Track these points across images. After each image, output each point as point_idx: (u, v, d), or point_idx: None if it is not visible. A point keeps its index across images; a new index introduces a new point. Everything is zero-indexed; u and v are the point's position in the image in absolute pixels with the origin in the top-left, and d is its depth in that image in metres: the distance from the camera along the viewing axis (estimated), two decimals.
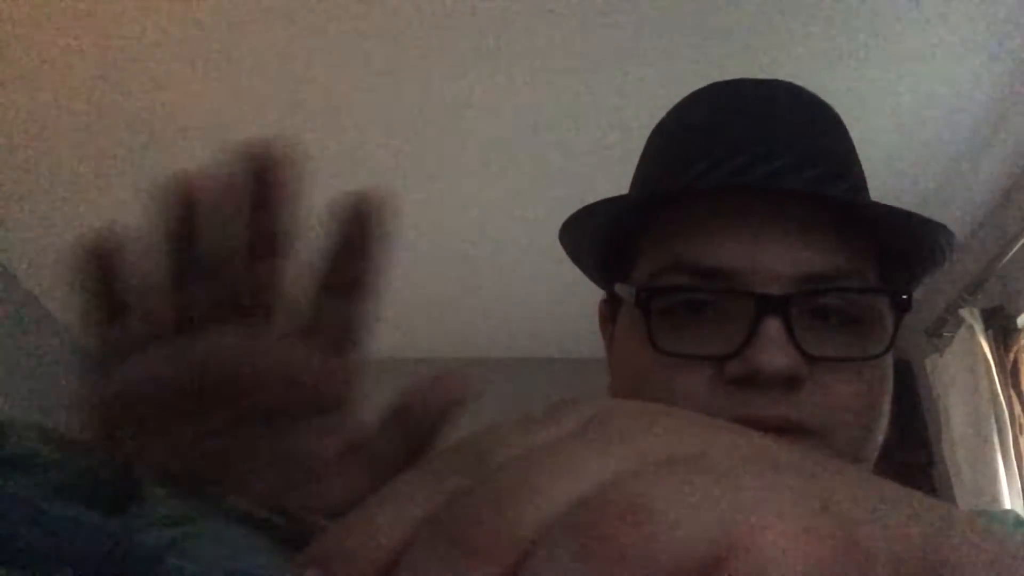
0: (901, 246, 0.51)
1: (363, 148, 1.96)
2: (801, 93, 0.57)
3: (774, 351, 0.43)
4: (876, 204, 0.48)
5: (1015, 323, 2.03)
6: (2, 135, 1.89)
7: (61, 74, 1.74)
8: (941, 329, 2.18)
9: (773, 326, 0.44)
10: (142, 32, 1.65)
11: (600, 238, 0.53)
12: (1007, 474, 1.88)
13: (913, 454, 2.45)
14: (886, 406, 0.49)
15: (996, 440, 1.90)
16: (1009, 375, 1.98)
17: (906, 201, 2.21)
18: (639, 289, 0.48)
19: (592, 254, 0.55)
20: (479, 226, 2.20)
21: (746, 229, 0.46)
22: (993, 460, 1.89)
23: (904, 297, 0.47)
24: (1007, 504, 1.86)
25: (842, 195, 0.48)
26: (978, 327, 2.01)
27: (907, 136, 1.95)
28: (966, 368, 2.02)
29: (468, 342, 2.61)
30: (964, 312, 2.05)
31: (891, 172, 2.06)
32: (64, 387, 2.62)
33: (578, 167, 1.98)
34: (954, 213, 2.20)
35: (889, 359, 0.48)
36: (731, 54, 1.73)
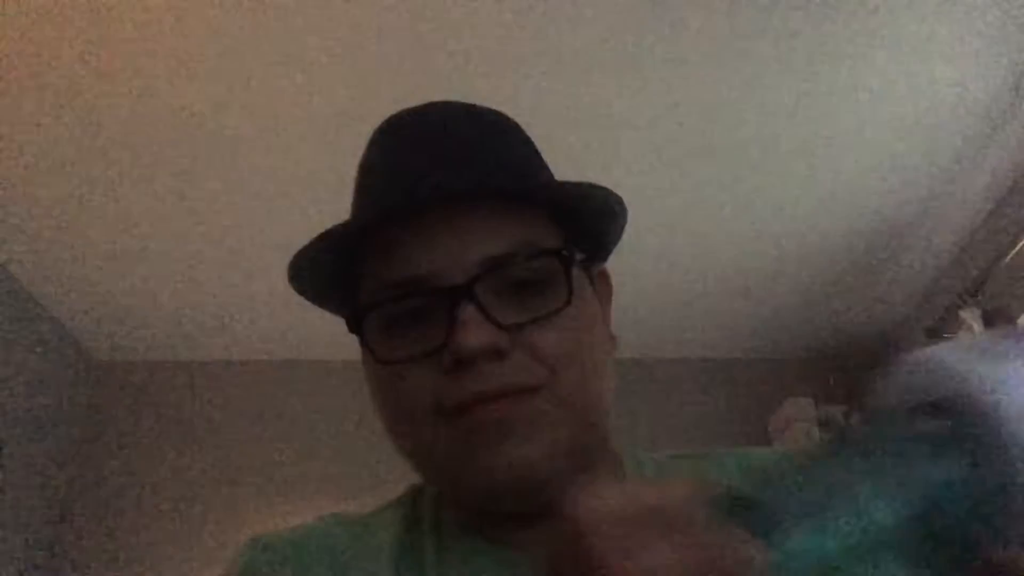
0: (576, 211, 0.57)
1: (361, 147, 1.96)
2: (459, 110, 0.61)
3: (470, 331, 0.49)
4: (526, 184, 0.56)
5: (1015, 324, 2.02)
6: (2, 136, 1.89)
7: (62, 75, 1.74)
8: (941, 330, 2.18)
9: (466, 310, 0.50)
10: (143, 33, 1.66)
11: (324, 279, 0.60)
12: None
13: None
14: (594, 351, 0.55)
15: None
16: None
17: (906, 201, 2.22)
18: (347, 315, 0.54)
19: (328, 295, 0.62)
20: None
21: (423, 238, 0.52)
22: None
23: (565, 253, 0.53)
24: None
25: (493, 184, 0.55)
26: (978, 328, 2.00)
27: (907, 136, 1.95)
28: None
29: None
30: (964, 313, 2.05)
31: (891, 172, 2.06)
32: (64, 387, 2.62)
33: (575, 165, 1.98)
34: (954, 213, 2.20)
35: (588, 309, 0.55)
36: (731, 56, 1.72)
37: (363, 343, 0.55)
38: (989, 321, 2.03)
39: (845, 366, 2.77)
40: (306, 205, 2.15)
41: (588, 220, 0.58)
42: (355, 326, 0.54)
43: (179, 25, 1.64)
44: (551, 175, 0.62)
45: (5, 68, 1.72)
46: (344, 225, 0.55)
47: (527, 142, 0.62)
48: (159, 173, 2.02)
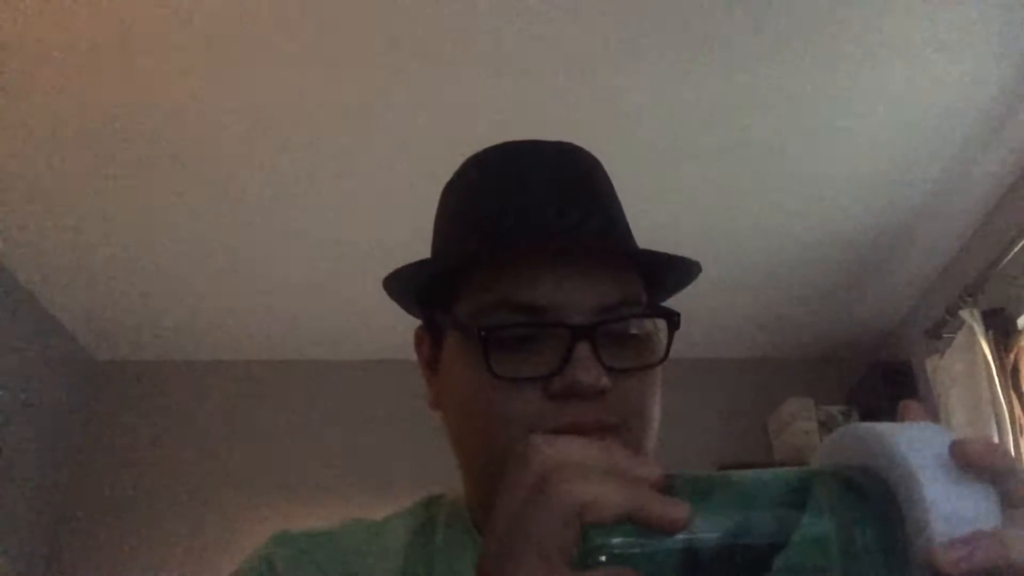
0: (661, 276, 0.65)
1: (366, 148, 1.96)
2: (576, 152, 0.68)
3: (587, 369, 0.55)
4: (643, 251, 0.62)
5: (1015, 324, 2.03)
6: (2, 137, 1.89)
7: (62, 76, 1.74)
8: (942, 330, 2.18)
9: (584, 349, 0.56)
10: (144, 31, 1.66)
11: (426, 282, 0.65)
12: None
13: None
14: (658, 410, 0.61)
15: (996, 440, 1.90)
16: (1009, 376, 1.98)
17: (906, 202, 2.22)
18: (479, 328, 0.58)
19: (415, 292, 0.67)
20: None
21: (555, 272, 0.58)
22: None
23: (676, 316, 0.60)
24: None
25: (621, 244, 0.63)
26: (978, 328, 2.01)
27: (907, 137, 1.95)
28: (966, 369, 2.02)
29: None
30: (964, 313, 2.05)
31: (891, 173, 2.06)
32: (64, 387, 2.62)
33: None
34: (954, 213, 2.20)
35: (661, 368, 0.62)
36: (731, 56, 1.72)
37: (483, 353, 0.58)
38: (989, 321, 2.03)
39: (845, 366, 2.77)
40: (306, 205, 2.15)
41: (670, 284, 0.67)
42: (482, 338, 0.58)
43: (179, 24, 1.64)
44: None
45: (4, 67, 1.72)
46: (478, 249, 0.61)
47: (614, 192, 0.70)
48: (159, 173, 2.02)
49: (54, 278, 2.40)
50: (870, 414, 2.57)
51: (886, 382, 2.54)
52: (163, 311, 2.58)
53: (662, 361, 0.59)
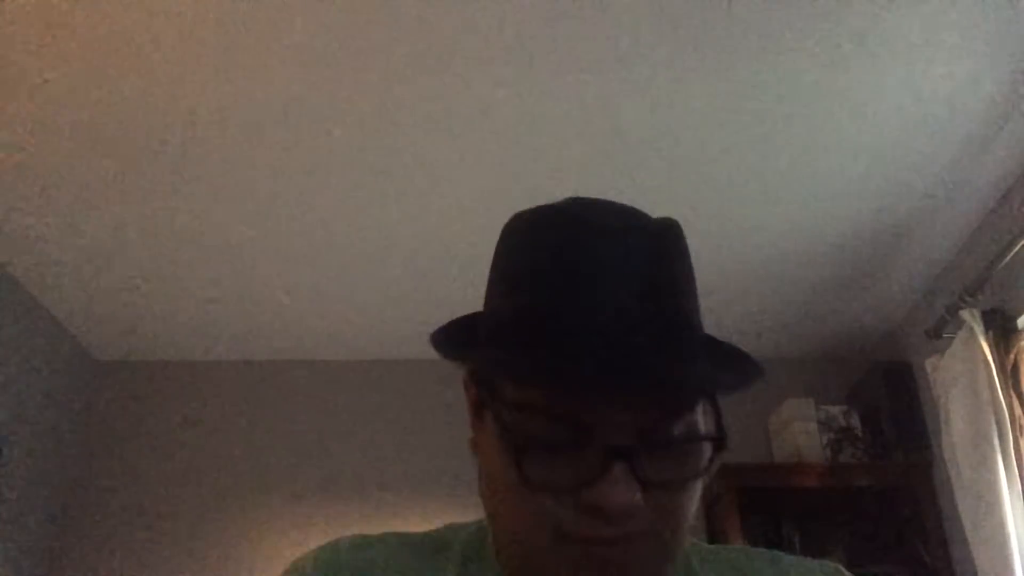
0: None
1: (366, 149, 1.96)
2: (663, 240, 0.62)
3: (619, 491, 0.54)
4: (703, 388, 0.59)
5: (1015, 324, 2.03)
6: (2, 137, 1.89)
7: (62, 76, 1.74)
8: (941, 331, 2.18)
9: (620, 469, 0.54)
10: (142, 31, 1.66)
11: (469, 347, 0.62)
12: (1007, 474, 1.88)
13: (913, 454, 2.45)
14: (695, 507, 0.60)
15: (996, 440, 1.90)
16: (1009, 376, 1.98)
17: (906, 202, 2.22)
18: (512, 434, 0.56)
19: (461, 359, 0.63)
20: (483, 228, 2.20)
21: (600, 389, 0.55)
22: (993, 460, 1.89)
23: (723, 440, 0.58)
24: (1007, 504, 1.85)
25: (680, 384, 0.57)
26: (978, 328, 2.01)
27: (907, 137, 1.95)
28: (966, 369, 2.02)
29: None
30: (964, 314, 2.05)
31: (891, 172, 2.06)
32: (64, 387, 2.62)
33: (578, 170, 1.99)
34: (954, 213, 2.20)
35: (709, 473, 0.60)
36: (731, 55, 1.72)
37: (513, 460, 0.56)
38: (989, 321, 2.03)
39: (845, 366, 2.77)
40: (307, 205, 2.15)
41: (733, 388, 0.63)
42: (515, 448, 0.56)
43: (178, 24, 1.64)
44: (700, 313, 0.66)
45: (5, 67, 1.72)
46: (531, 368, 0.57)
47: (690, 271, 0.66)
48: (159, 173, 2.02)
49: (54, 278, 2.40)
50: (870, 414, 2.57)
51: (886, 382, 2.54)
52: (163, 311, 2.58)
53: (701, 475, 0.58)
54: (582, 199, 0.64)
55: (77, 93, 1.79)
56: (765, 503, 2.46)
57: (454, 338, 0.63)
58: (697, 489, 0.59)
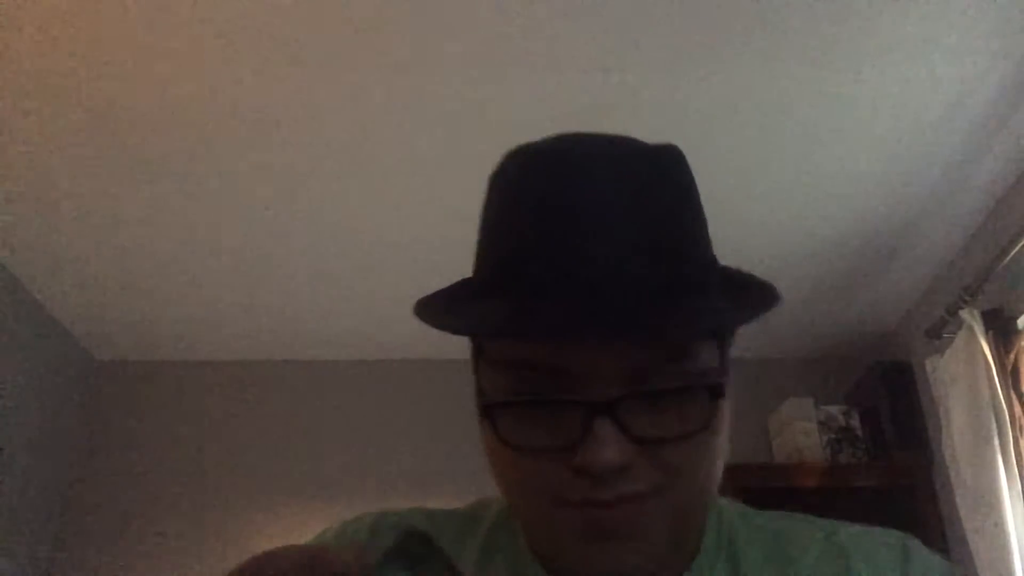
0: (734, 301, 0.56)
1: (365, 147, 1.96)
2: (655, 164, 0.56)
3: (603, 450, 0.48)
4: (702, 316, 0.52)
5: (1015, 325, 2.02)
6: (2, 138, 1.89)
7: (62, 76, 1.74)
8: (941, 330, 2.18)
9: (603, 426, 0.49)
10: (141, 30, 1.66)
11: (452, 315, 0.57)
12: (1007, 474, 1.88)
13: (913, 454, 2.45)
14: (715, 464, 0.54)
15: (996, 440, 1.90)
16: (1009, 376, 1.98)
17: (906, 202, 2.22)
18: (484, 404, 0.53)
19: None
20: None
21: (574, 334, 0.50)
22: (993, 460, 1.89)
23: (717, 385, 0.52)
24: (1007, 504, 1.85)
25: (658, 321, 0.50)
26: (978, 329, 2.00)
27: (907, 137, 1.95)
28: (966, 369, 2.02)
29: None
30: (964, 314, 2.05)
31: (891, 173, 2.06)
32: (64, 387, 2.62)
33: None
34: (954, 214, 2.20)
35: (716, 425, 0.53)
36: (730, 55, 1.72)
37: (488, 423, 0.53)
38: (989, 321, 2.03)
39: (845, 366, 2.77)
40: (308, 205, 2.15)
41: (747, 307, 0.57)
42: (488, 412, 0.53)
43: (179, 23, 1.64)
44: (707, 244, 0.60)
45: (5, 66, 1.72)
46: (507, 317, 0.52)
47: (691, 197, 0.59)
48: (160, 172, 2.02)
49: (54, 278, 2.40)
50: (870, 414, 2.57)
51: (886, 382, 2.54)
52: (163, 311, 2.58)
53: (703, 430, 0.51)
54: (568, 135, 0.58)
55: (77, 93, 1.79)
56: (765, 503, 2.45)
57: (432, 303, 0.58)
58: (710, 442, 0.52)
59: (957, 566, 2.17)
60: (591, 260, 0.50)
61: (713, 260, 0.60)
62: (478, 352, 0.56)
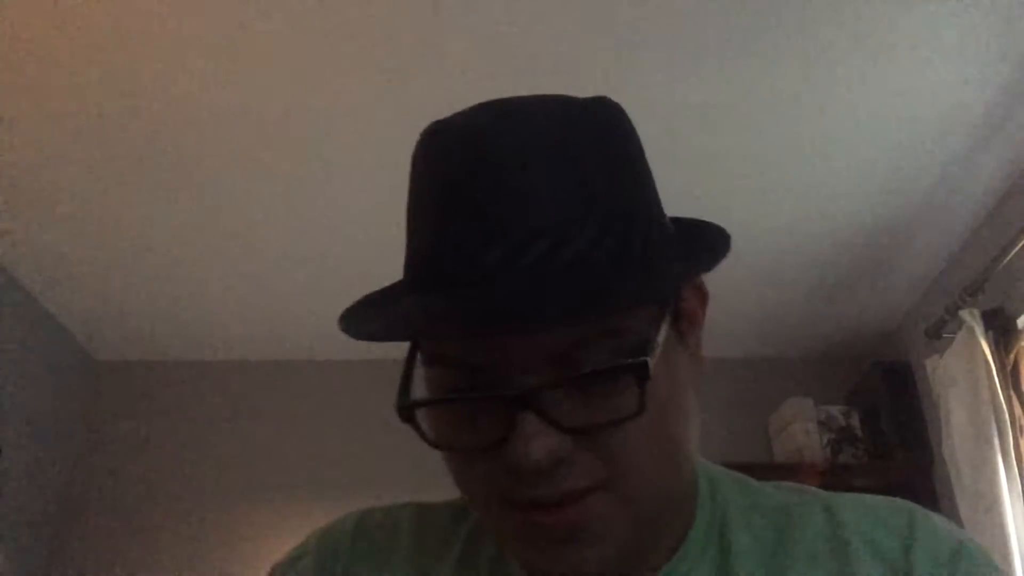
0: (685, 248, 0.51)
1: (366, 149, 1.96)
2: (562, 128, 0.50)
3: (529, 445, 0.44)
4: (616, 269, 0.47)
5: (1015, 324, 2.03)
6: (2, 136, 1.89)
7: (61, 74, 1.74)
8: (941, 330, 2.18)
9: (526, 419, 0.44)
10: (143, 32, 1.66)
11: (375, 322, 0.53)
12: (1007, 474, 1.88)
13: (913, 454, 2.45)
14: (673, 435, 0.50)
15: (996, 440, 1.90)
16: (1009, 376, 1.98)
17: (906, 202, 2.22)
18: (400, 407, 0.47)
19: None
20: None
21: (489, 325, 0.45)
22: (993, 460, 1.89)
23: (641, 366, 0.45)
24: (1007, 504, 1.85)
25: (566, 283, 0.46)
26: (978, 328, 2.00)
27: (907, 137, 1.95)
28: (966, 369, 2.02)
29: None
30: (964, 314, 2.05)
31: (891, 172, 2.06)
32: (64, 387, 2.62)
33: None
34: (954, 214, 2.20)
35: (668, 391, 0.49)
36: (729, 55, 1.72)
37: (418, 427, 0.49)
38: (989, 321, 2.03)
39: (845, 366, 2.77)
40: (307, 204, 2.15)
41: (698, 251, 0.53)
42: (408, 417, 0.48)
43: (180, 23, 1.64)
44: (648, 204, 0.54)
45: (6, 66, 1.72)
46: (394, 294, 0.50)
47: (620, 156, 0.54)
48: (160, 173, 2.02)
49: (54, 278, 2.40)
50: (870, 414, 2.57)
51: (886, 382, 2.54)
52: (163, 311, 2.58)
53: (637, 414, 0.45)
54: (487, 104, 0.53)
55: (78, 95, 1.79)
56: None
57: (353, 309, 0.54)
58: (653, 427, 0.47)
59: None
60: (493, 248, 0.45)
61: (658, 219, 0.55)
62: (413, 353, 0.52)
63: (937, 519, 0.56)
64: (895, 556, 0.53)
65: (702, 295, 0.59)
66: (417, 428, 0.48)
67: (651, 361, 0.45)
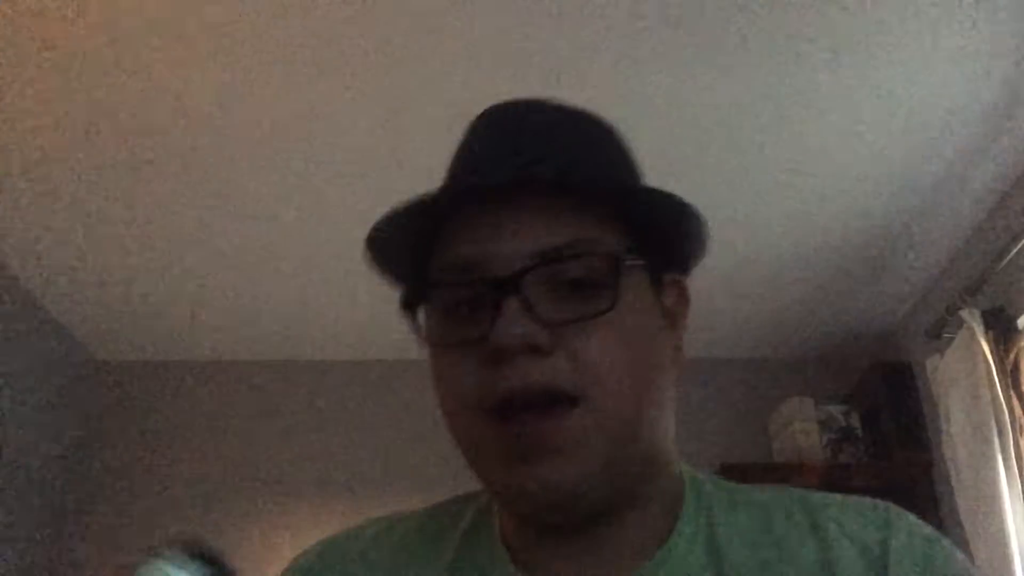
0: (643, 216, 0.57)
1: (366, 149, 1.96)
2: (553, 108, 0.61)
3: (509, 325, 0.49)
4: (600, 183, 0.55)
5: (1015, 324, 2.03)
6: (2, 138, 1.89)
7: (62, 75, 1.74)
8: (941, 330, 2.18)
9: (510, 304, 0.50)
10: (144, 28, 1.66)
11: (398, 251, 0.61)
12: (1007, 474, 1.88)
13: (913, 454, 2.45)
14: (644, 364, 0.54)
15: (996, 440, 1.90)
16: (1009, 376, 1.98)
17: (906, 202, 2.22)
18: (403, 297, 0.56)
19: (397, 270, 0.62)
20: None
21: (485, 225, 0.53)
22: (993, 460, 1.89)
23: (615, 254, 0.53)
24: (1007, 504, 1.85)
25: (560, 179, 0.53)
26: (978, 328, 2.00)
27: (907, 137, 1.95)
28: (966, 369, 2.02)
29: None
30: (964, 313, 2.05)
31: (891, 173, 2.06)
32: (64, 387, 2.62)
33: None
34: (954, 214, 2.20)
35: (641, 318, 0.54)
36: (729, 56, 1.72)
37: (414, 323, 0.56)
38: (989, 321, 2.03)
39: (845, 366, 2.77)
40: (307, 204, 2.15)
41: (655, 227, 0.58)
42: (411, 303, 0.56)
43: (182, 24, 1.64)
44: (636, 179, 0.63)
45: (5, 65, 1.72)
46: (421, 200, 0.56)
47: (616, 145, 0.63)
48: (160, 173, 2.02)
49: (54, 278, 2.39)
50: (870, 414, 2.57)
51: (886, 382, 2.54)
52: (163, 311, 2.57)
53: (611, 307, 0.51)
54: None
55: (79, 95, 1.79)
56: None
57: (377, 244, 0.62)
58: (623, 332, 0.52)
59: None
60: (510, 155, 0.55)
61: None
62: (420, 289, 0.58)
63: (912, 516, 0.59)
64: (872, 545, 0.55)
65: (684, 297, 0.63)
66: (414, 325, 0.54)
67: (624, 265, 0.52)
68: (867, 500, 0.60)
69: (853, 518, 0.58)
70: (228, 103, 1.83)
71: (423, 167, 2.10)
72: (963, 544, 2.07)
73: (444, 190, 0.56)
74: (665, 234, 0.58)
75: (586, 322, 0.51)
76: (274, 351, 2.79)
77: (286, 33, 1.67)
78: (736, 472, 2.37)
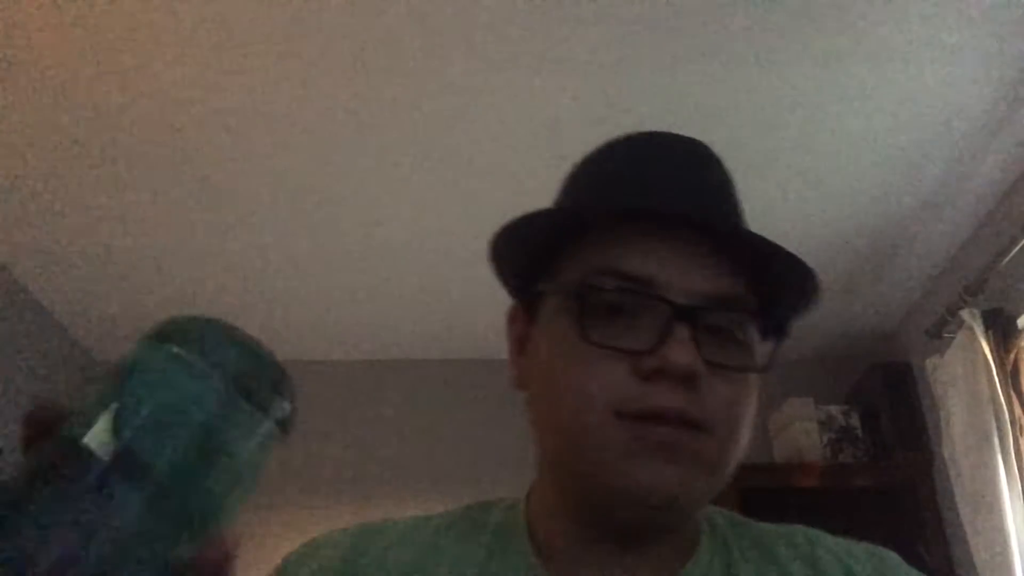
0: (776, 281, 0.59)
1: (367, 148, 1.96)
2: (703, 147, 0.67)
3: (683, 350, 0.53)
4: (770, 241, 0.57)
5: (1015, 324, 2.03)
6: (3, 139, 1.89)
7: (62, 76, 1.74)
8: (941, 330, 2.18)
9: (683, 330, 0.53)
10: (144, 27, 1.66)
11: (530, 245, 0.62)
12: (1007, 474, 1.88)
13: (913, 454, 2.45)
14: (750, 416, 0.59)
15: (996, 440, 1.90)
16: (1009, 376, 1.98)
17: (906, 202, 2.22)
18: (579, 285, 0.56)
19: (517, 258, 0.63)
20: (482, 229, 2.20)
21: (668, 247, 0.56)
22: (993, 460, 1.89)
23: (785, 329, 0.58)
24: (1007, 504, 1.86)
25: (745, 232, 0.58)
26: (978, 328, 2.01)
27: (907, 137, 1.95)
28: (966, 369, 2.02)
29: (466, 345, 2.61)
30: (964, 313, 2.05)
31: (891, 173, 2.07)
32: (64, 387, 2.62)
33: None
34: (954, 214, 2.20)
35: (757, 379, 0.59)
36: (730, 56, 1.73)
37: (578, 312, 0.56)
38: (989, 321, 2.03)
39: (845, 366, 2.77)
40: (307, 204, 2.15)
41: (783, 287, 0.60)
42: (581, 296, 0.56)
43: (181, 24, 1.64)
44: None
45: (4, 66, 1.72)
46: (595, 209, 0.59)
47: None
48: (160, 173, 2.02)
49: (54, 278, 2.40)
50: (870, 414, 2.57)
51: (886, 382, 2.54)
52: (162, 311, 2.56)
53: (763, 370, 0.57)
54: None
55: (79, 95, 1.79)
56: (765, 503, 2.44)
57: (514, 228, 0.61)
58: (751, 396, 0.57)
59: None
60: (679, 181, 0.59)
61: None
62: (555, 284, 0.59)
63: (907, 566, 0.64)
64: (860, 573, 0.60)
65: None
66: (582, 316, 0.55)
67: (759, 323, 0.58)
68: (871, 545, 0.65)
69: (851, 556, 0.63)
70: (228, 105, 1.83)
71: (425, 167, 2.11)
72: (963, 544, 2.07)
73: (616, 204, 0.59)
74: (789, 297, 0.61)
75: (734, 372, 0.56)
76: (275, 351, 2.78)
77: (291, 32, 1.67)
78: (736, 472, 2.37)
